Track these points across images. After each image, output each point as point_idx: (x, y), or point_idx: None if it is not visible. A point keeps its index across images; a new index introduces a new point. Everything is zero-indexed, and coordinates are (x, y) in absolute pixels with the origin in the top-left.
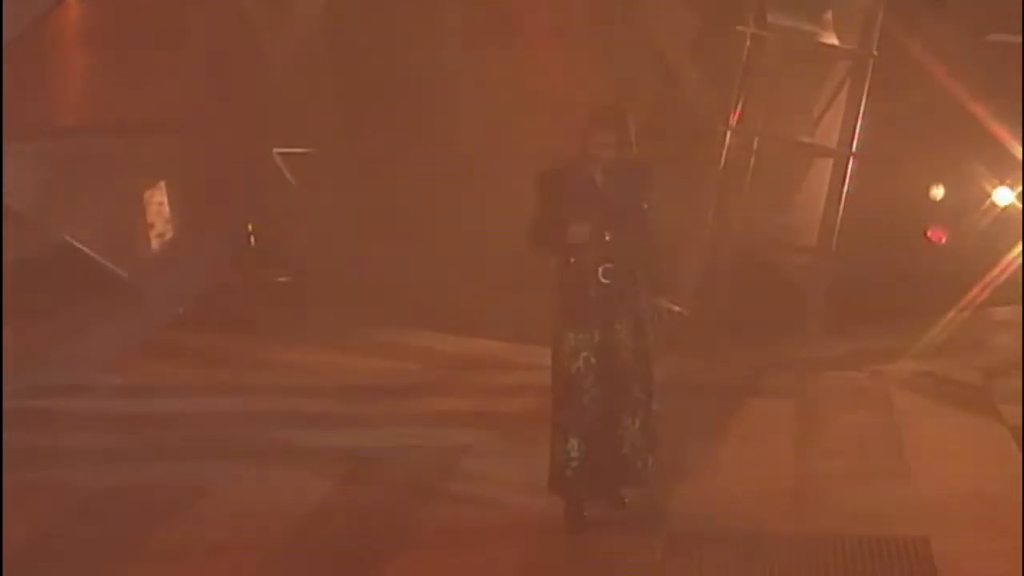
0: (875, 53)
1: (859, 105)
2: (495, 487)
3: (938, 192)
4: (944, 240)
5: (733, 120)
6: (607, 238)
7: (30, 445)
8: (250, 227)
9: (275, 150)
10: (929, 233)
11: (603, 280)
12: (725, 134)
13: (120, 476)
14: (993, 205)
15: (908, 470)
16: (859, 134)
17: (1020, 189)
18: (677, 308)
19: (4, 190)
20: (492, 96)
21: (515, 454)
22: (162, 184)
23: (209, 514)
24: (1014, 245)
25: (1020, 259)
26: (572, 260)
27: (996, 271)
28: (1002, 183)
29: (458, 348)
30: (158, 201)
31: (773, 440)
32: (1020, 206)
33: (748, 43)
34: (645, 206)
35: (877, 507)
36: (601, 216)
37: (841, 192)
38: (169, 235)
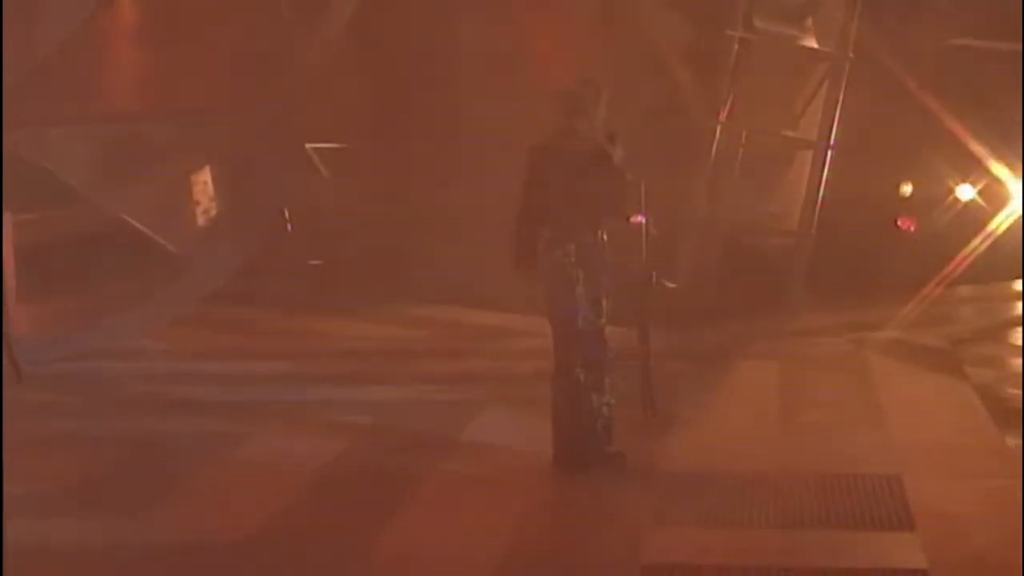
0: (851, 56)
1: (836, 102)
2: (508, 437)
3: (907, 189)
4: (913, 229)
5: (723, 116)
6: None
7: (87, 400)
8: (287, 214)
9: (309, 145)
10: (900, 222)
11: (605, 241)
12: (716, 128)
13: (165, 426)
14: (956, 200)
15: (883, 419)
16: (836, 129)
17: (981, 186)
18: (672, 285)
19: (63, 170)
20: (506, 100)
21: (526, 408)
22: (207, 166)
23: (245, 460)
24: (975, 235)
25: (981, 246)
26: (587, 220)
27: (960, 257)
28: (964, 181)
29: (478, 320)
30: (203, 181)
31: (760, 395)
32: (981, 201)
33: (737, 46)
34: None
35: (854, 450)
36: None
37: (820, 181)
38: (213, 212)
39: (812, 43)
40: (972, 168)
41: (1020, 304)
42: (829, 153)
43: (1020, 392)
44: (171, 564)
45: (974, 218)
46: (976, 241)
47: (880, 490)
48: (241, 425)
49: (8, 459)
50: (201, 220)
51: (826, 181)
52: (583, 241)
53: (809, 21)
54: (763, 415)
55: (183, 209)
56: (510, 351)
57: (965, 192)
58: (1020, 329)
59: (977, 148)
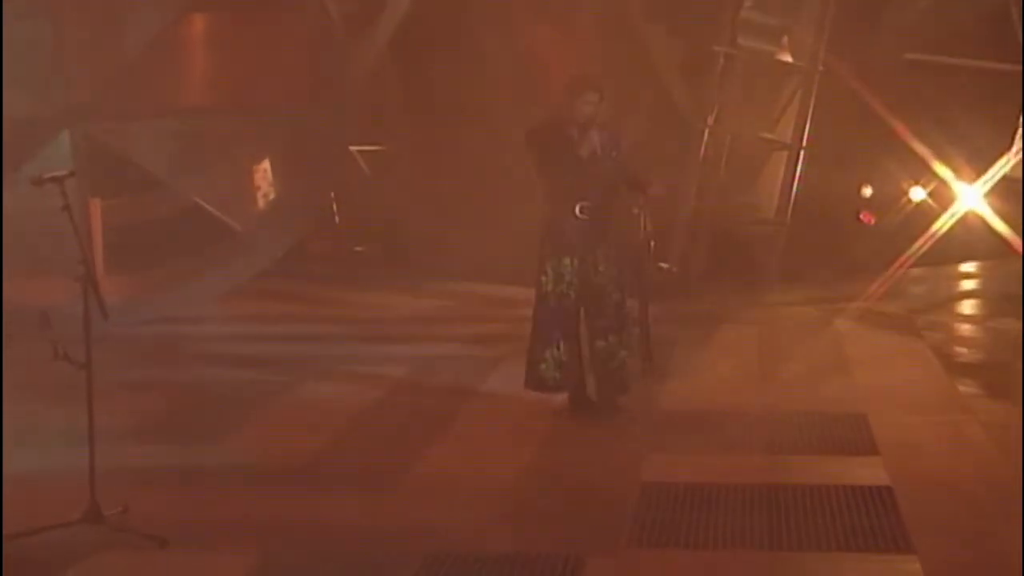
0: (820, 69)
1: (808, 109)
2: (521, 386)
3: (867, 191)
4: (873, 222)
5: (711, 120)
6: (584, 180)
7: (163, 355)
8: (335, 207)
9: (353, 148)
10: (862, 216)
11: (580, 216)
12: (704, 132)
13: (229, 376)
14: (909, 200)
15: (849, 369)
16: (807, 132)
17: (931, 188)
18: (666, 265)
19: (145, 160)
20: (518, 110)
21: None
22: (266, 156)
23: (298, 401)
24: (925, 230)
25: (929, 242)
26: (554, 200)
27: (914, 248)
28: (916, 184)
29: (495, 292)
30: (263, 169)
31: (743, 350)
32: (931, 201)
33: (722, 60)
34: (614, 154)
35: (825, 393)
36: (579, 164)
37: (794, 176)
38: (271, 196)
39: (787, 58)
40: (923, 172)
41: (964, 282)
42: (801, 153)
43: (967, 350)
44: (238, 483)
45: (923, 216)
46: (925, 236)
47: (848, 424)
48: (293, 375)
49: (100, 399)
50: (261, 203)
51: (799, 178)
52: (561, 214)
53: (785, 39)
54: (746, 365)
55: (246, 193)
56: (522, 316)
57: (917, 193)
58: (965, 301)
59: (927, 155)
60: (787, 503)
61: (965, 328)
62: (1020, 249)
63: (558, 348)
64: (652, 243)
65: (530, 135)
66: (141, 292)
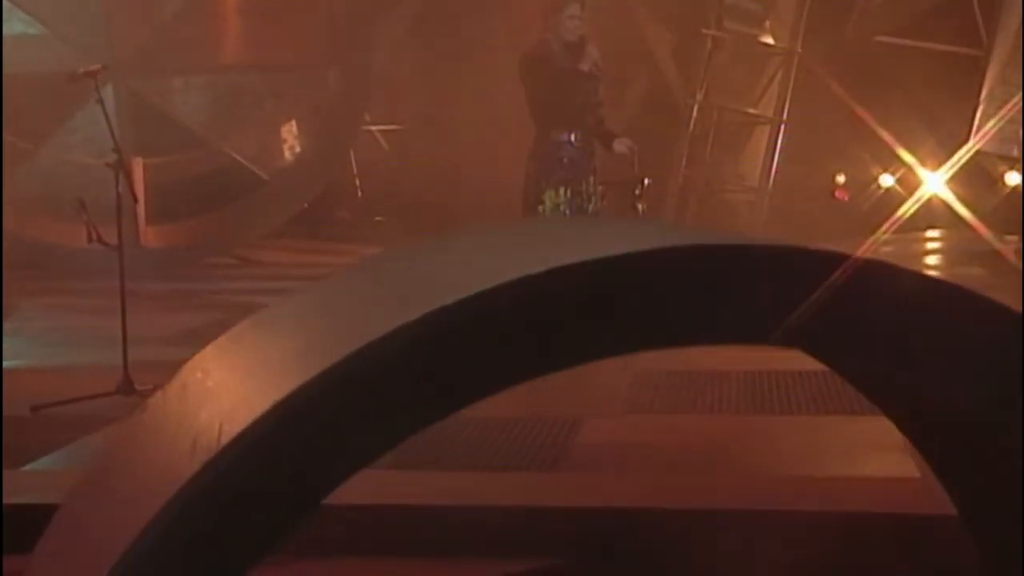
0: (799, 50)
1: (788, 87)
2: None
3: (840, 178)
4: (847, 198)
5: (700, 97)
6: (581, 101)
7: (197, 292)
8: (357, 181)
9: (372, 127)
10: (837, 193)
11: (574, 143)
12: (694, 107)
13: (255, 298)
14: (879, 186)
15: None
16: (788, 108)
17: (899, 175)
18: None
19: (183, 114)
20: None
21: None
22: (293, 112)
23: None
24: (894, 212)
25: (895, 224)
26: (550, 128)
27: (883, 229)
28: (885, 171)
29: None
30: (290, 124)
31: None
32: (898, 187)
33: (710, 43)
34: (600, 76)
35: None
36: (569, 90)
37: (775, 148)
38: (297, 149)
39: (769, 40)
40: (891, 160)
41: (928, 244)
42: (781, 127)
43: None
44: None
45: (891, 200)
46: (892, 219)
47: None
48: None
49: (134, 316)
50: (288, 156)
51: (779, 154)
52: (556, 142)
53: (767, 23)
54: None
55: (273, 146)
56: None
57: (885, 180)
58: (930, 257)
59: (895, 142)
60: (771, 382)
61: (932, 274)
62: (979, 227)
63: None
64: (646, 180)
65: (525, 60)
66: (179, 241)
